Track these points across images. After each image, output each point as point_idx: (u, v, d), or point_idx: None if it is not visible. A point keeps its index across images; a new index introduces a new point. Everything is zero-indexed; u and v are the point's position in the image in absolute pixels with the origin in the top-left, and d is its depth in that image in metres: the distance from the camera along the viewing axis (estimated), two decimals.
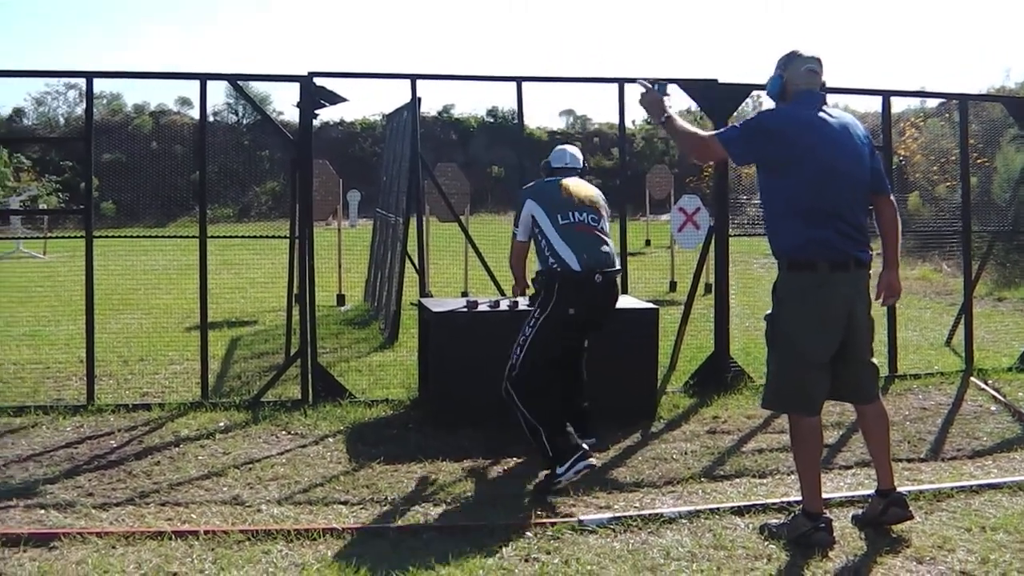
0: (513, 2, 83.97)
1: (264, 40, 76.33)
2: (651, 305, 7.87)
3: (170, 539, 5.08)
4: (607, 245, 6.44)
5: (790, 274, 5.16)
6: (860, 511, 5.38)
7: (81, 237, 7.97)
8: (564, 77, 9.36)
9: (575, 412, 6.59)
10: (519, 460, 6.46)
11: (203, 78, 8.04)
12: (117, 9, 75.67)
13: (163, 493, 5.90)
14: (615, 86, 8.61)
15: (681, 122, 5.37)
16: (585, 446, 5.97)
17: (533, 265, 6.63)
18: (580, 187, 6.62)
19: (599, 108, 61.05)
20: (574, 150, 7.05)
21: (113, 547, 4.99)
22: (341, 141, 37.71)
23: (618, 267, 6.59)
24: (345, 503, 5.70)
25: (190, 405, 7.83)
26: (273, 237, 10.24)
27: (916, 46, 75.96)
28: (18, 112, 42.04)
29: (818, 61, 5.22)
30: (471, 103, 44.51)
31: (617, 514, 5.45)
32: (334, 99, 8.11)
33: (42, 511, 5.58)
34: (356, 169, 22.32)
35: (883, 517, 5.21)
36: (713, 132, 5.47)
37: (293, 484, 6.03)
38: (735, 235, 8.53)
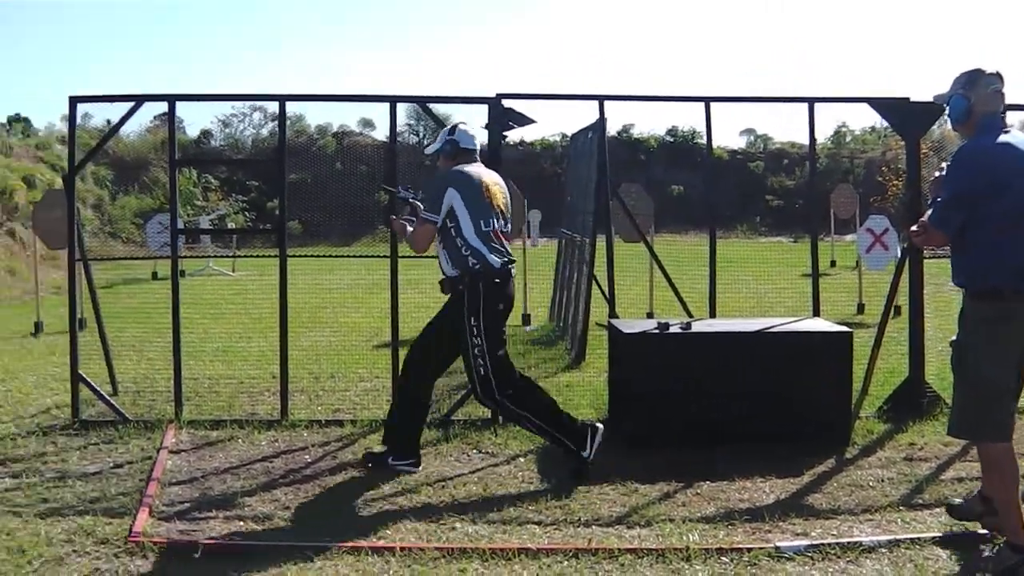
0: (687, 20, 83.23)
1: (449, 62, 77.50)
2: (844, 328, 7.68)
3: (367, 555, 5.18)
4: (507, 247, 6.75)
5: (975, 302, 5.00)
6: None
7: (273, 256, 8.24)
8: (751, 97, 9.20)
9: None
10: (712, 483, 6.38)
11: (393, 100, 8.22)
12: (311, 33, 77.88)
13: (358, 508, 6.03)
14: (804, 105, 8.49)
15: None
16: (590, 422, 6.68)
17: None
18: (497, 191, 6.72)
19: (780, 126, 60.22)
20: (469, 130, 6.98)
21: (311, 560, 5.11)
22: (521, 161, 38.01)
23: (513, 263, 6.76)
24: (538, 523, 5.72)
25: (382, 422, 7.97)
26: None
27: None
28: (205, 133, 43.46)
29: (1001, 78, 5.01)
30: (650, 122, 44.10)
31: (814, 541, 5.33)
32: (522, 120, 8.17)
33: (241, 522, 5.77)
34: (536, 189, 22.46)
35: None
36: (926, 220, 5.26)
37: (486, 503, 6.08)
38: (928, 257, 8.27)
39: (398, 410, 6.95)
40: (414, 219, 6.77)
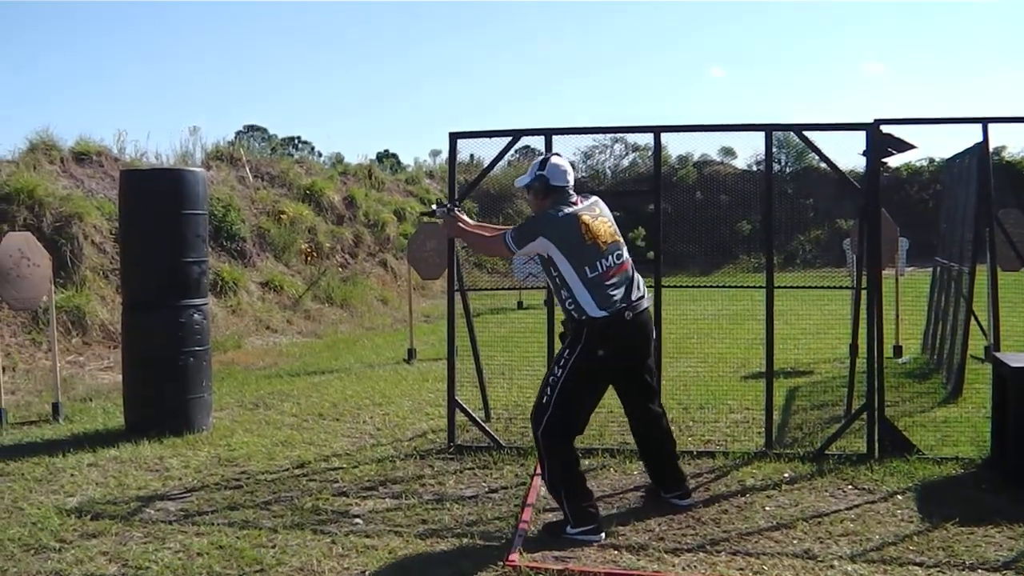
0: None
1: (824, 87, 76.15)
2: None
3: None
4: (631, 282, 6.28)
5: None
6: None
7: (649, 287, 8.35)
8: None
9: (663, 459, 6.70)
10: None
11: (768, 129, 8.19)
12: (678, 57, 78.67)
13: (733, 542, 5.97)
14: None
15: None
16: (600, 526, 6.11)
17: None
18: (599, 224, 6.25)
19: None
20: (565, 162, 6.49)
21: None
22: (887, 188, 36.70)
23: (645, 294, 6.35)
24: (920, 564, 5.50)
25: (754, 455, 7.93)
26: (840, 287, 10.13)
27: None
28: (572, 165, 44.56)
29: None
30: (1020, 144, 41.47)
31: None
32: (902, 147, 7.92)
33: (615, 552, 5.84)
34: (904, 215, 21.60)
35: None
36: None
37: (864, 541, 5.91)
38: None
39: None
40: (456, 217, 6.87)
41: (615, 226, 6.42)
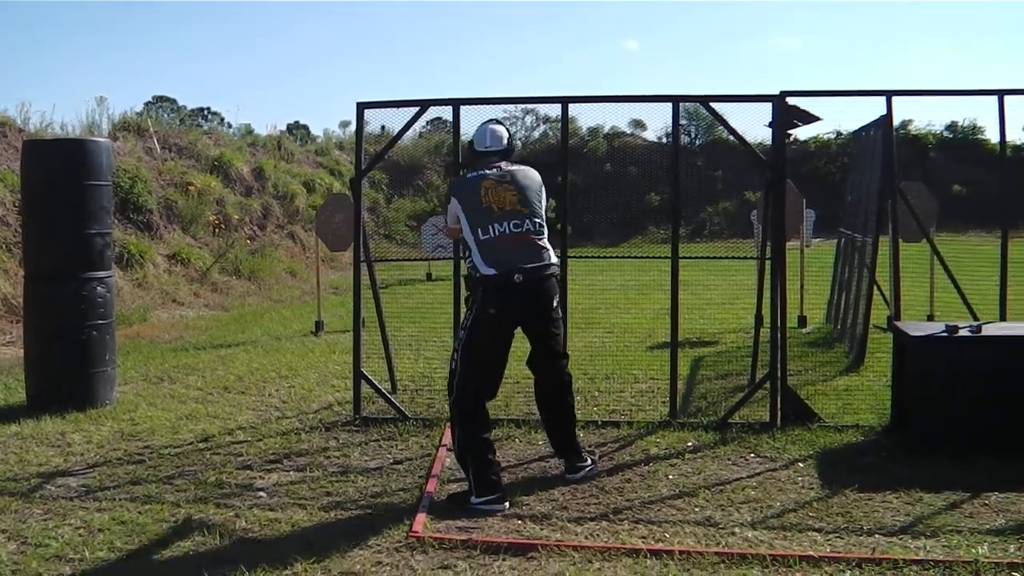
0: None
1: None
2: None
3: (645, 557, 5.16)
4: (527, 249, 6.34)
5: None
6: None
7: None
8: None
9: (562, 423, 6.75)
10: (1001, 494, 6.06)
11: (675, 100, 8.19)
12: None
13: (635, 511, 6.01)
14: None
15: None
16: (504, 495, 6.13)
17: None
18: (503, 191, 6.43)
19: None
20: (497, 127, 6.78)
21: (589, 561, 5.14)
22: (794, 160, 37.13)
23: (545, 262, 6.38)
24: (819, 531, 5.56)
25: (658, 424, 7.97)
26: (744, 258, 10.20)
27: None
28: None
29: None
30: (928, 117, 42.00)
31: None
32: (807, 118, 8.00)
33: (519, 521, 5.83)
34: (812, 187, 21.88)
35: None
36: None
37: (765, 508, 5.98)
38: None
39: None
40: None
41: (529, 197, 6.48)
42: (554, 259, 6.51)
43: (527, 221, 6.39)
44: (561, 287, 7.70)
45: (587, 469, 6.71)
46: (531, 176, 6.62)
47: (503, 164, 6.60)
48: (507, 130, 6.87)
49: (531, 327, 6.54)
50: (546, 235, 6.50)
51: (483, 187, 6.42)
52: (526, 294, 6.30)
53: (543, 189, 6.62)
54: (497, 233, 6.30)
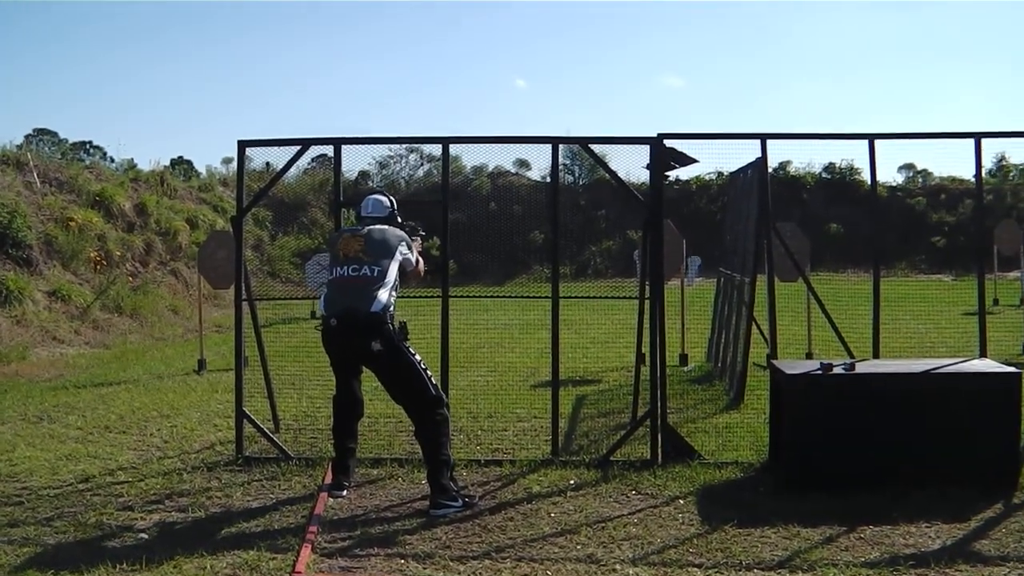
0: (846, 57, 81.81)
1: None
2: (1012, 369, 7.37)
3: None
4: (356, 292, 6.95)
5: None
6: None
7: (430, 296, 8.36)
8: (916, 133, 8.86)
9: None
10: (875, 527, 6.21)
11: (555, 142, 8.27)
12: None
13: (518, 548, 6.03)
14: (969, 142, 8.29)
15: None
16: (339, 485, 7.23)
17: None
18: (351, 241, 7.16)
19: (941, 161, 58.62)
20: (379, 197, 7.59)
21: None
22: (676, 200, 37.76)
23: (362, 308, 6.89)
24: (699, 566, 5.64)
25: (540, 462, 8.00)
26: (625, 297, 10.30)
27: None
28: (363, 175, 44.25)
29: None
30: (806, 158, 43.02)
31: None
32: (684, 160, 8.14)
33: (402, 560, 5.84)
34: (693, 228, 22.23)
35: None
36: None
37: (646, 544, 6.04)
38: None
39: None
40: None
41: (375, 249, 7.11)
42: (383, 304, 6.94)
43: (365, 268, 7.05)
44: (443, 326, 7.85)
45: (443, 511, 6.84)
46: (387, 233, 7.28)
47: (375, 226, 7.33)
48: (391, 201, 7.63)
49: (353, 364, 7.32)
50: (387, 284, 7.03)
51: (343, 239, 7.25)
52: (332, 337, 7.06)
53: (402, 244, 7.27)
54: (337, 275, 7.12)
